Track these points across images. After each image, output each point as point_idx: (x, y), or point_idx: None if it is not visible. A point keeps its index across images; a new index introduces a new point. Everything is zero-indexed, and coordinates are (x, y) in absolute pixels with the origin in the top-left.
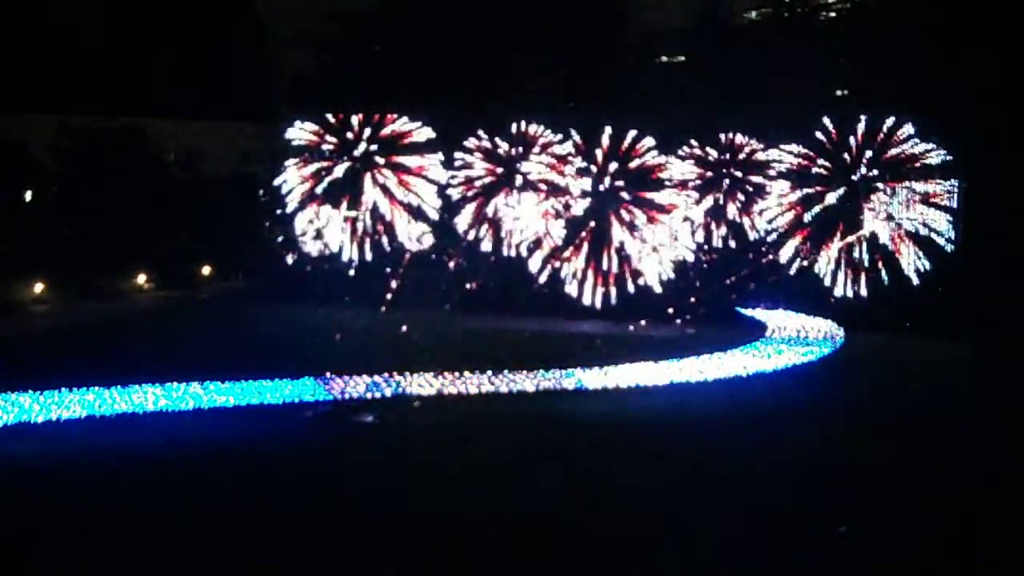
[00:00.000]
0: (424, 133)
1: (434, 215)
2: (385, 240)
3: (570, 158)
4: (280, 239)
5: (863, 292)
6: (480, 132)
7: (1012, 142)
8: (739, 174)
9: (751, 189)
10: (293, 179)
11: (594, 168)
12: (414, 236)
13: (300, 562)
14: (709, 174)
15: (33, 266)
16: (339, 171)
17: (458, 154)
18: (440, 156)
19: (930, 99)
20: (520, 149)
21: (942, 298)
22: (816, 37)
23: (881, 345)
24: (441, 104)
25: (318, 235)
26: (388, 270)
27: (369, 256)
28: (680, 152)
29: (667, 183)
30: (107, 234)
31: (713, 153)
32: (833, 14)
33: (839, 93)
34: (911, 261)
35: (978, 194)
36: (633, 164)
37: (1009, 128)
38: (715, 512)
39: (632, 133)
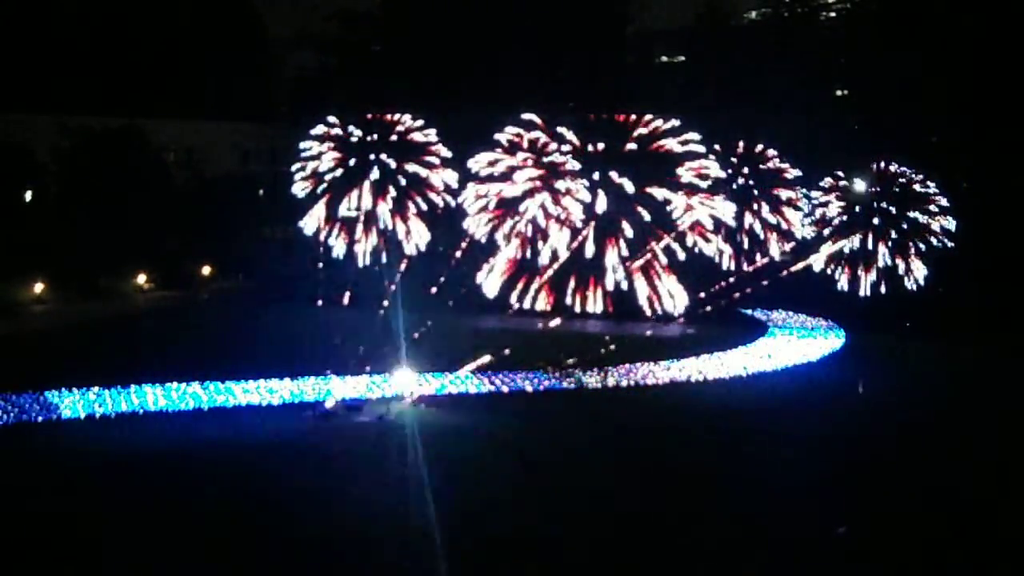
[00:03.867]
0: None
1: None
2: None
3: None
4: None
5: (863, 293)
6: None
7: (1012, 142)
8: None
9: (759, 191)
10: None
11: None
12: (418, 239)
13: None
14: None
15: (33, 266)
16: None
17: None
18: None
19: (931, 100)
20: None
21: (943, 299)
22: (816, 37)
23: (881, 345)
24: (441, 104)
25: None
26: (389, 271)
27: (370, 258)
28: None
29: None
30: (107, 234)
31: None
32: (833, 14)
33: (839, 93)
34: (912, 262)
35: (978, 195)
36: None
37: (1009, 128)
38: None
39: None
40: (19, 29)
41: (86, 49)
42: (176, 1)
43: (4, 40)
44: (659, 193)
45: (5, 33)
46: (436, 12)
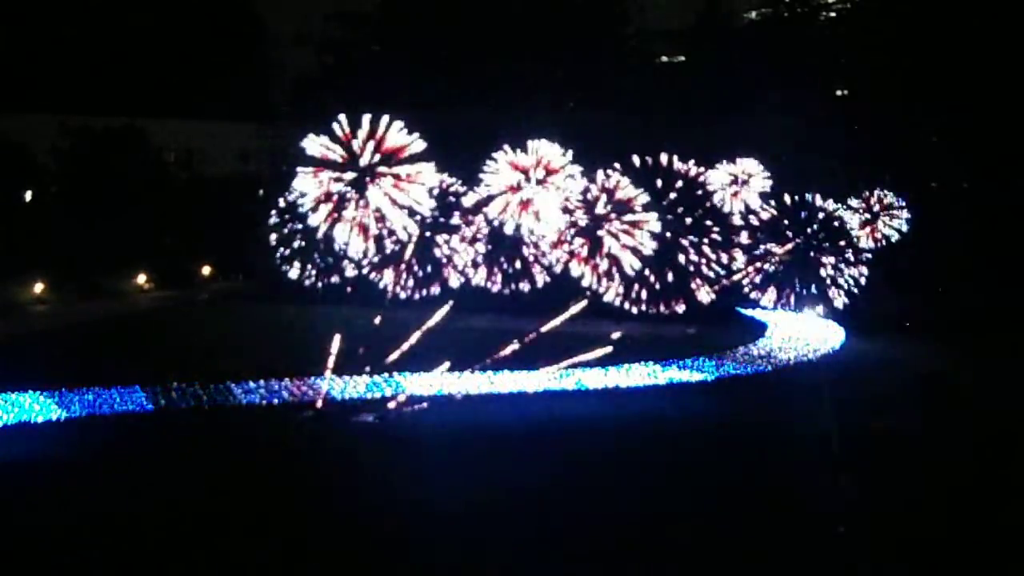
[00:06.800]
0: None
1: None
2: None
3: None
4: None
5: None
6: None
7: (1013, 142)
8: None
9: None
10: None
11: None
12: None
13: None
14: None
15: (33, 266)
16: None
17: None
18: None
19: (928, 94)
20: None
21: (943, 299)
22: (816, 37)
23: (880, 345)
24: (440, 106)
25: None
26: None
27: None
28: None
29: None
30: (107, 234)
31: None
32: (833, 14)
33: (839, 93)
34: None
35: (978, 195)
36: None
37: (1010, 127)
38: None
39: None
40: (19, 28)
41: (86, 49)
42: (176, 1)
43: (4, 40)
44: None
45: (5, 33)
46: (434, 13)
